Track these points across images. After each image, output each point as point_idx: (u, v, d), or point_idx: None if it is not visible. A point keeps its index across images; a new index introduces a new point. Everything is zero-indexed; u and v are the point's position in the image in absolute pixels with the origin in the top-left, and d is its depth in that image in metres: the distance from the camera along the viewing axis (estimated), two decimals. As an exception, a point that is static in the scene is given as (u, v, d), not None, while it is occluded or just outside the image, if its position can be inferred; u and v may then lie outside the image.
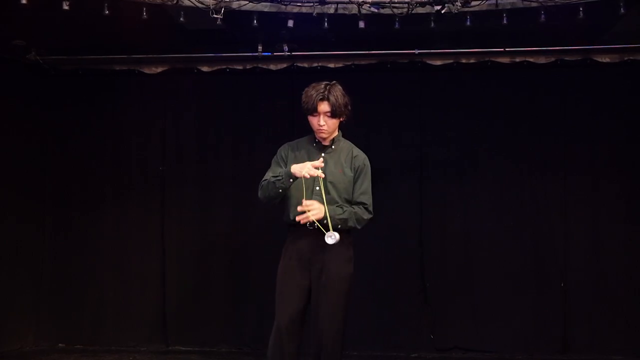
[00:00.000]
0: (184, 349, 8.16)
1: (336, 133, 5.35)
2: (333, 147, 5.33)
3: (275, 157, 5.41)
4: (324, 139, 5.30)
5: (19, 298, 8.08)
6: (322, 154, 5.28)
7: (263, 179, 5.32)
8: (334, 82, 5.26)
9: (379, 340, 7.98)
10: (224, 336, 8.15)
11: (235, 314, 8.15)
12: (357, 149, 5.42)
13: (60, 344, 8.32)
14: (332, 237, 5.03)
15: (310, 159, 5.22)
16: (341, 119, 5.28)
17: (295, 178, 5.08)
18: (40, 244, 8.40)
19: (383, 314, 7.97)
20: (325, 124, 5.19)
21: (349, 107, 5.26)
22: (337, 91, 5.18)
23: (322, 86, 5.18)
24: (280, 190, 5.16)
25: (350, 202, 5.28)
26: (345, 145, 5.40)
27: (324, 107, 5.15)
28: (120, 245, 8.37)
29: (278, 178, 5.15)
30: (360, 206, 5.28)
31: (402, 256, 8.03)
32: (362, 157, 5.38)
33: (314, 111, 5.17)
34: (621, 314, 7.73)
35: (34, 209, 8.31)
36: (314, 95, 5.14)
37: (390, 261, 8.00)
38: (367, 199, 5.31)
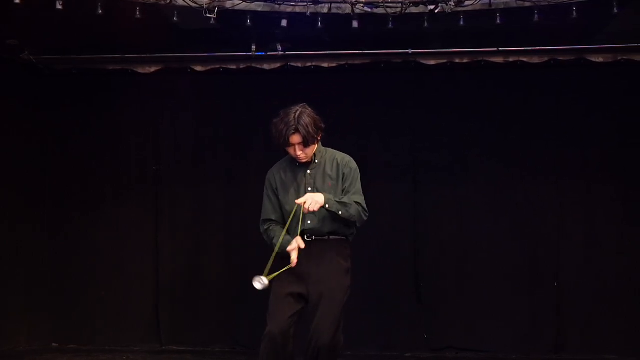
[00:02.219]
0: (177, 348, 8.16)
1: (316, 146, 5.26)
2: (317, 161, 5.25)
3: (265, 188, 5.33)
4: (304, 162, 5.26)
5: (13, 298, 8.07)
6: (308, 171, 5.23)
7: (261, 217, 5.30)
8: (303, 106, 5.13)
9: (373, 340, 7.99)
10: (218, 336, 8.16)
11: (229, 314, 8.16)
12: (341, 154, 5.34)
13: (54, 344, 8.33)
14: (260, 283, 4.96)
15: (297, 181, 5.20)
16: (317, 141, 5.20)
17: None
18: (38, 244, 8.41)
19: (378, 314, 7.97)
20: (302, 152, 5.13)
21: (322, 127, 5.17)
22: (306, 118, 5.06)
23: (291, 117, 5.04)
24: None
25: None
26: (328, 154, 5.31)
27: (296, 139, 5.05)
28: (115, 245, 8.38)
29: (276, 245, 5.11)
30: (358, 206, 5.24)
31: (397, 257, 8.04)
32: (347, 161, 5.29)
33: (287, 145, 5.11)
34: (615, 313, 7.74)
35: (27, 209, 8.29)
36: (284, 131, 5.03)
37: (385, 262, 8.01)
38: (359, 198, 5.23)
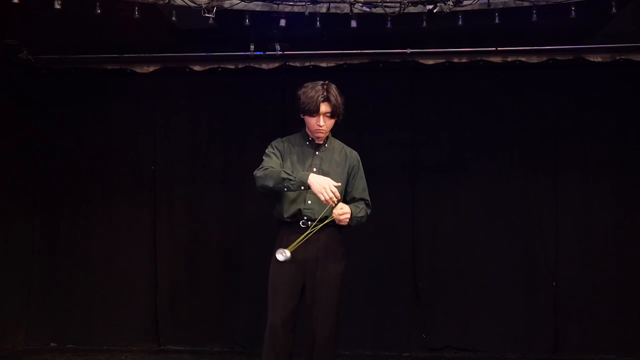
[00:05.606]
0: (175, 348, 8.16)
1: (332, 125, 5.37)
2: (326, 145, 5.36)
3: (269, 148, 5.34)
4: (320, 138, 5.30)
5: (11, 298, 8.07)
6: (316, 153, 5.30)
7: (264, 166, 5.20)
8: (328, 81, 5.26)
9: (371, 340, 7.98)
10: (216, 335, 8.15)
11: (227, 313, 8.15)
12: (348, 147, 5.46)
13: (52, 343, 8.32)
14: (282, 255, 4.99)
15: (304, 158, 5.27)
16: (338, 119, 5.30)
17: (307, 188, 5.05)
18: (36, 244, 8.41)
19: (375, 314, 7.98)
20: (324, 124, 5.20)
21: (344, 106, 5.28)
22: (335, 91, 5.19)
23: (320, 86, 5.17)
24: (285, 190, 5.11)
25: (344, 201, 5.31)
26: (337, 144, 5.43)
27: (325, 107, 5.15)
28: (113, 245, 8.37)
29: (290, 179, 5.05)
30: (363, 202, 5.36)
31: (395, 256, 8.04)
32: (354, 155, 5.43)
33: (316, 112, 5.16)
34: (614, 313, 7.75)
35: (24, 209, 8.30)
36: (315, 96, 5.12)
37: (383, 261, 8.01)
38: (367, 195, 5.41)
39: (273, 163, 5.23)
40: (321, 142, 5.34)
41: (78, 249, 8.38)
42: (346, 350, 7.54)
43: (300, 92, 5.22)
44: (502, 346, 7.87)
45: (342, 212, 5.07)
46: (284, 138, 5.45)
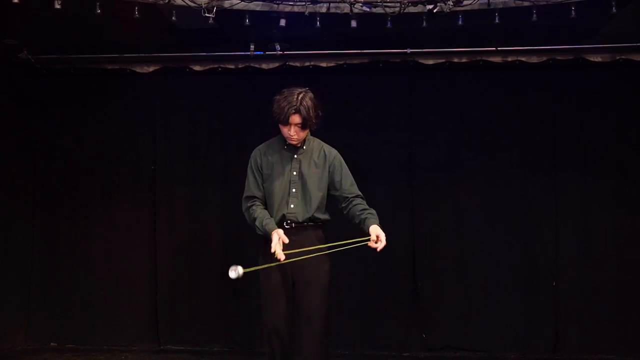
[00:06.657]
0: (175, 348, 8.16)
1: (308, 132, 5.36)
2: (304, 147, 5.36)
3: (249, 166, 5.41)
4: (294, 144, 5.32)
5: (11, 297, 8.07)
6: (295, 156, 5.32)
7: (245, 194, 5.39)
8: (306, 89, 5.22)
9: (370, 340, 7.98)
10: (216, 335, 8.16)
11: (227, 313, 8.15)
12: (327, 145, 5.46)
13: (52, 343, 8.32)
14: (234, 272, 4.94)
15: (283, 164, 5.30)
16: (311, 129, 5.29)
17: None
18: (36, 244, 8.42)
19: (375, 314, 7.97)
20: (295, 134, 5.22)
21: (320, 116, 5.25)
22: (308, 101, 5.15)
23: (294, 97, 5.14)
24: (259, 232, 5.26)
25: (335, 198, 5.37)
26: (316, 144, 5.43)
27: (295, 119, 5.15)
28: (113, 245, 8.37)
29: (257, 227, 5.21)
30: (359, 199, 5.38)
31: (394, 256, 7.98)
32: (334, 153, 5.42)
33: (286, 123, 5.18)
34: (613, 313, 7.75)
35: (24, 209, 8.30)
36: (286, 108, 5.12)
37: (382, 260, 7.94)
38: (356, 188, 5.41)
39: (253, 189, 5.37)
40: (298, 145, 5.35)
41: (78, 249, 8.38)
42: (346, 350, 7.54)
43: (275, 99, 5.23)
44: (502, 346, 7.87)
45: (380, 243, 5.22)
46: (262, 145, 5.48)
